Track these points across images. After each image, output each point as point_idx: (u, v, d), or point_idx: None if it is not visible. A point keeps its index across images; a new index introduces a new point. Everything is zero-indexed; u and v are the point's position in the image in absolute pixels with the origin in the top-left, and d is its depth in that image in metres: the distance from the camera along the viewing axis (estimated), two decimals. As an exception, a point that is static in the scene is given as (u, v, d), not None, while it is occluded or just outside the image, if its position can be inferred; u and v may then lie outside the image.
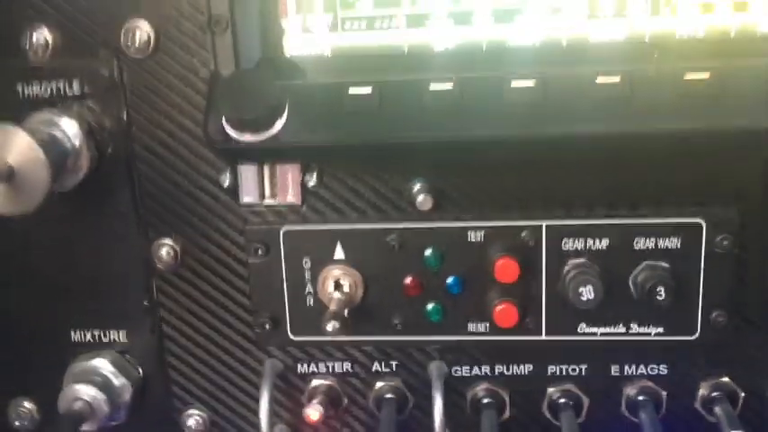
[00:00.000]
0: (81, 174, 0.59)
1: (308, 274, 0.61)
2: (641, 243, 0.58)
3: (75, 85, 0.60)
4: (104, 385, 0.63)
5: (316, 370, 0.64)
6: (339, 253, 0.60)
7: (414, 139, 0.54)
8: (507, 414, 0.63)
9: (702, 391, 0.61)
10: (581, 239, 0.58)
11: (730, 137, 0.52)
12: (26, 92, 0.60)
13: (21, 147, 0.53)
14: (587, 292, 0.57)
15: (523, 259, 0.58)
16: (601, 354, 0.61)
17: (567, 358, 0.62)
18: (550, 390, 0.62)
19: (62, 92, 0.60)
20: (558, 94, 0.52)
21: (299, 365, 0.64)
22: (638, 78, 0.52)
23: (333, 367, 0.64)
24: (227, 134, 0.54)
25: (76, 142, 0.59)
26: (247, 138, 0.53)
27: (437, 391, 0.61)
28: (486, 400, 0.62)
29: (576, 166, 0.57)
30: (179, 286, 0.63)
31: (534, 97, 0.52)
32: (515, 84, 0.53)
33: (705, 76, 0.52)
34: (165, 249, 0.62)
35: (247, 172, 0.60)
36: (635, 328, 0.59)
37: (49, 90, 0.60)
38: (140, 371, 0.66)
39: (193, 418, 0.66)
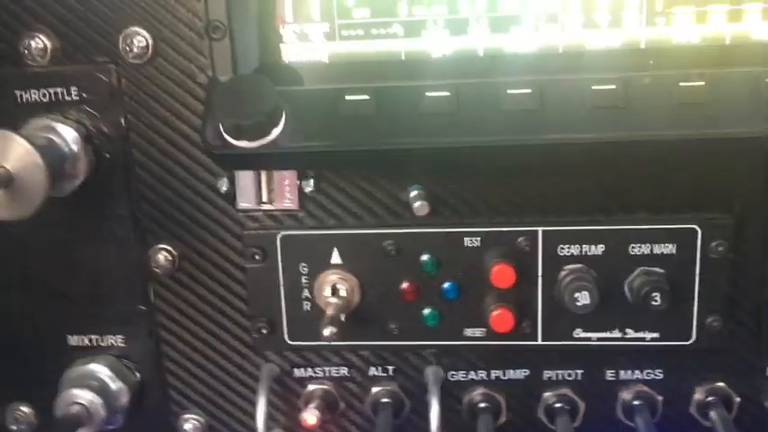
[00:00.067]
0: (79, 179, 0.59)
1: (304, 279, 0.61)
2: (637, 249, 0.58)
3: (74, 91, 0.60)
4: (101, 389, 0.63)
5: (312, 374, 0.65)
6: (336, 258, 0.61)
7: (410, 146, 0.54)
8: (503, 418, 0.63)
9: (698, 396, 0.61)
10: (577, 245, 0.59)
11: (725, 144, 0.52)
12: (24, 98, 0.60)
13: (19, 152, 0.53)
14: (583, 298, 0.57)
15: (519, 265, 0.59)
16: (596, 359, 0.62)
17: (563, 363, 0.62)
18: (546, 394, 0.63)
19: (60, 98, 0.60)
20: (554, 102, 0.53)
21: (295, 370, 0.65)
22: (633, 86, 0.52)
23: (329, 372, 0.64)
24: (224, 140, 0.54)
25: (74, 148, 0.59)
26: (245, 144, 0.53)
27: (433, 395, 0.61)
28: (482, 405, 0.63)
29: (572, 173, 0.58)
30: (176, 291, 0.64)
31: (530, 104, 0.53)
32: (512, 91, 0.53)
33: (700, 83, 0.52)
34: (163, 254, 0.62)
35: (245, 177, 0.61)
36: (630, 333, 0.60)
37: (47, 96, 0.60)
38: (137, 375, 0.66)
39: (190, 422, 0.66)
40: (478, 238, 0.59)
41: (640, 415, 0.60)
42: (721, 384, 0.61)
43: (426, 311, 0.61)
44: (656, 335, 0.60)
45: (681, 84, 0.52)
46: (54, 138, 0.58)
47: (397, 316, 0.61)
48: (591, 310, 0.57)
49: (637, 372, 0.62)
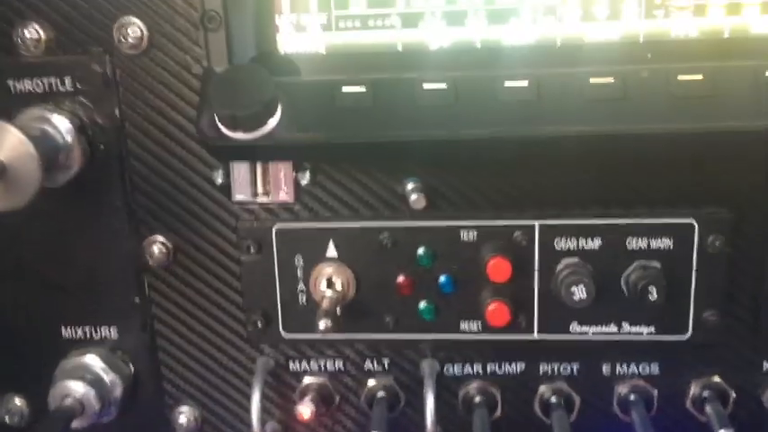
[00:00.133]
0: (73, 170, 0.59)
1: (300, 272, 0.61)
2: (633, 243, 0.58)
3: (68, 82, 0.59)
4: (95, 382, 0.63)
5: (307, 368, 0.64)
6: (332, 251, 0.60)
7: (407, 138, 0.53)
8: (499, 412, 0.63)
9: (694, 391, 0.61)
10: (573, 239, 0.58)
11: (723, 138, 0.52)
12: (18, 88, 0.59)
13: (12, 142, 0.53)
14: (579, 292, 0.57)
15: (516, 259, 0.58)
16: (593, 353, 0.61)
17: (559, 357, 0.62)
18: (542, 388, 0.62)
19: (54, 88, 0.59)
20: (552, 95, 0.52)
21: (290, 363, 0.64)
22: (631, 79, 0.52)
23: (325, 365, 0.64)
24: (219, 131, 0.53)
25: (68, 138, 0.58)
26: (240, 135, 0.53)
27: (429, 389, 0.61)
28: (477, 399, 0.62)
29: (569, 166, 0.58)
30: (171, 283, 0.63)
31: (528, 97, 0.52)
32: (509, 83, 0.53)
33: (698, 77, 0.52)
34: (157, 246, 0.62)
35: (240, 169, 0.60)
36: (627, 327, 0.60)
37: (41, 86, 0.59)
38: (131, 367, 0.65)
39: (185, 415, 0.66)
40: (475, 232, 0.59)
41: (636, 409, 0.60)
42: (717, 379, 0.61)
43: (422, 305, 0.61)
44: (652, 329, 0.60)
45: (679, 77, 0.52)
46: (48, 128, 0.58)
47: (393, 309, 0.61)
48: (587, 304, 0.57)
49: (633, 366, 0.62)
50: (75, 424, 0.62)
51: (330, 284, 0.60)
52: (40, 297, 0.65)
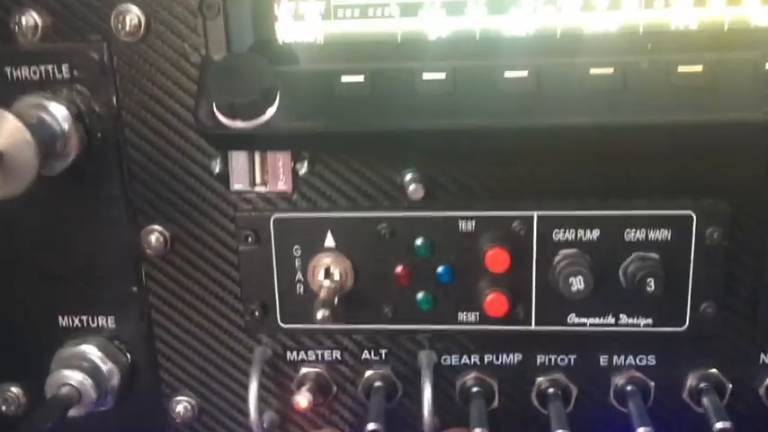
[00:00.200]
0: (70, 158, 0.59)
1: (298, 262, 0.61)
2: (632, 234, 0.58)
3: (65, 69, 0.59)
4: (92, 370, 0.63)
5: (305, 358, 0.64)
6: (330, 241, 0.60)
7: (406, 128, 0.53)
8: (496, 403, 0.63)
9: (690, 382, 0.61)
10: (572, 230, 0.58)
11: (723, 129, 0.52)
12: (15, 75, 0.59)
13: (9, 129, 0.53)
14: (577, 283, 0.57)
15: (514, 249, 0.58)
16: (590, 344, 0.61)
17: (557, 348, 0.62)
18: (539, 379, 0.62)
19: (51, 75, 0.59)
20: (552, 85, 0.52)
21: (288, 353, 0.64)
22: (631, 70, 0.52)
23: (322, 355, 0.64)
24: (218, 120, 0.53)
25: (65, 126, 0.58)
26: (238, 124, 0.53)
27: (426, 379, 0.61)
28: (475, 389, 0.62)
29: (568, 157, 0.57)
30: (168, 273, 0.63)
31: (527, 87, 0.52)
32: (509, 74, 0.53)
33: (698, 68, 0.52)
34: (155, 235, 0.62)
35: (238, 159, 0.60)
36: (624, 318, 0.60)
37: (37, 73, 0.59)
38: (129, 357, 0.65)
39: (182, 404, 0.66)
40: (473, 222, 0.59)
41: (633, 400, 0.60)
42: (714, 371, 0.61)
43: (420, 295, 0.61)
44: (649, 321, 0.60)
45: (679, 68, 0.52)
46: (45, 116, 0.57)
47: (391, 299, 0.61)
48: (585, 295, 0.57)
49: (630, 357, 0.62)
50: (72, 412, 0.62)
51: (328, 274, 0.60)
52: (37, 286, 0.65)
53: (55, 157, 0.58)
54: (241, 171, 0.60)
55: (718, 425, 0.57)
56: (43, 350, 0.65)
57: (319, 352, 0.64)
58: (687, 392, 0.61)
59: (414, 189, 0.58)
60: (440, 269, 0.60)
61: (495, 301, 0.59)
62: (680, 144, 0.55)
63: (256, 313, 0.62)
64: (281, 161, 0.60)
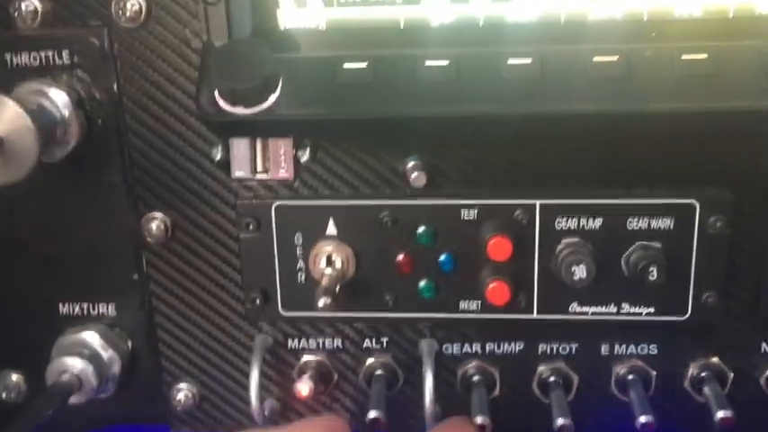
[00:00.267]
0: (70, 145, 0.59)
1: (299, 250, 0.61)
2: (634, 223, 0.58)
3: (65, 55, 0.58)
4: (93, 358, 0.63)
5: (306, 346, 0.64)
6: (331, 229, 0.60)
7: (408, 115, 0.53)
8: (497, 392, 0.63)
9: (692, 372, 0.61)
10: (574, 218, 0.58)
11: (727, 117, 0.51)
12: (14, 61, 0.59)
13: (9, 115, 0.52)
14: (580, 271, 0.57)
15: (516, 238, 0.58)
16: (591, 333, 0.61)
17: (558, 337, 0.62)
18: (541, 368, 0.62)
19: (51, 61, 0.59)
20: (555, 72, 0.52)
21: (289, 341, 0.64)
22: (635, 58, 0.52)
23: (323, 343, 0.64)
24: (219, 106, 0.53)
25: (66, 112, 0.58)
26: (240, 110, 0.52)
27: (428, 368, 0.61)
28: (476, 378, 0.62)
29: (571, 145, 0.57)
30: (169, 260, 0.63)
31: (531, 75, 0.52)
32: (512, 61, 0.52)
33: (702, 56, 0.51)
34: (156, 223, 0.62)
35: (239, 146, 0.60)
36: (626, 307, 0.59)
37: (37, 59, 0.59)
38: (129, 344, 0.65)
39: (183, 392, 0.66)
40: (475, 211, 0.59)
41: (634, 389, 0.60)
42: (715, 360, 0.61)
43: (422, 283, 0.60)
44: (651, 310, 0.59)
45: (683, 56, 0.51)
46: (45, 102, 0.57)
47: (393, 288, 0.61)
48: (587, 283, 0.57)
49: (631, 346, 0.62)
50: (73, 400, 0.62)
51: (330, 262, 0.60)
52: (38, 273, 0.64)
53: (55, 144, 0.58)
54: (242, 158, 0.60)
55: (720, 414, 0.57)
56: (44, 338, 0.65)
57: (320, 340, 0.64)
58: (688, 381, 0.61)
59: (416, 177, 0.58)
60: (442, 257, 0.60)
61: (497, 290, 0.59)
62: (684, 132, 0.55)
63: (257, 301, 0.62)
64: (282, 148, 0.59)
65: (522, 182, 0.58)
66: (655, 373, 0.61)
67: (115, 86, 0.59)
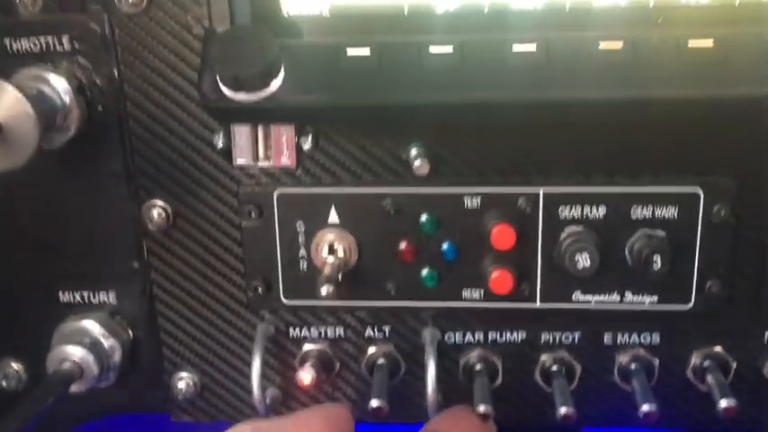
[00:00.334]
0: (71, 131, 0.58)
1: (301, 238, 0.60)
2: (638, 211, 0.57)
3: (65, 41, 0.58)
4: (93, 346, 0.62)
5: (308, 335, 0.64)
6: (334, 217, 0.60)
7: (412, 102, 0.53)
8: (500, 380, 0.63)
9: (695, 361, 0.61)
10: (578, 207, 0.58)
11: (733, 104, 0.51)
12: (14, 47, 0.58)
13: (9, 101, 0.52)
14: (583, 260, 0.56)
15: (519, 226, 0.58)
16: (594, 322, 0.61)
17: (561, 326, 0.62)
18: (543, 357, 0.62)
19: (52, 47, 0.58)
20: (561, 59, 0.51)
21: (291, 330, 0.64)
22: (641, 45, 0.51)
23: (325, 332, 0.64)
24: (221, 93, 0.52)
25: (66, 99, 0.57)
26: (243, 97, 0.52)
27: (430, 357, 0.61)
28: (478, 367, 0.62)
29: (575, 133, 0.57)
30: (170, 248, 0.63)
31: (536, 62, 0.52)
32: (517, 47, 0.52)
33: (709, 43, 0.51)
34: (157, 210, 0.61)
35: (241, 133, 0.59)
36: (629, 296, 0.59)
37: (37, 45, 0.58)
38: (130, 333, 0.65)
39: (184, 380, 0.66)
40: (479, 199, 0.58)
41: (637, 378, 0.60)
42: (718, 349, 0.61)
43: (424, 272, 0.60)
44: (654, 299, 0.59)
45: (689, 43, 0.51)
46: (45, 88, 0.56)
47: (395, 276, 0.61)
48: (591, 272, 0.57)
49: (634, 335, 0.61)
50: (74, 388, 0.62)
51: (332, 251, 0.60)
52: (38, 261, 0.64)
53: (55, 131, 0.57)
54: (244, 146, 0.59)
55: (723, 402, 0.57)
56: (44, 326, 0.64)
57: (322, 329, 0.64)
58: (691, 370, 0.61)
59: (419, 165, 0.57)
60: (444, 246, 0.59)
61: (500, 279, 0.59)
62: (689, 119, 0.54)
63: (259, 289, 0.62)
64: (284, 136, 0.59)
65: (526, 170, 0.58)
66: (657, 361, 0.61)
67: (116, 73, 0.58)
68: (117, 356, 0.64)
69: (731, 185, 0.57)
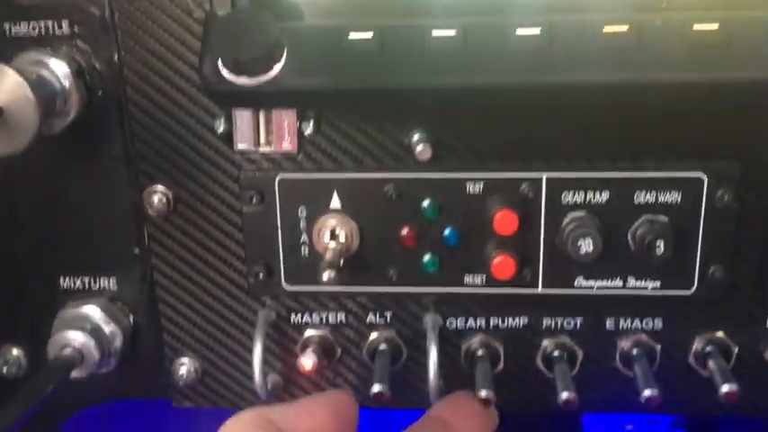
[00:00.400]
0: (70, 116, 0.58)
1: (303, 223, 0.60)
2: (641, 197, 0.57)
3: (65, 25, 0.57)
4: (94, 332, 0.62)
5: (309, 320, 0.64)
6: (335, 202, 0.59)
7: (415, 85, 0.52)
8: (501, 366, 0.63)
9: (696, 346, 0.61)
10: (581, 192, 0.58)
11: (738, 88, 0.51)
12: (13, 31, 0.58)
13: (8, 85, 0.52)
14: (586, 245, 0.56)
15: (522, 211, 0.58)
16: (597, 307, 0.61)
17: (563, 311, 0.62)
18: (545, 342, 0.62)
19: (51, 31, 0.58)
20: (564, 43, 0.51)
21: (292, 315, 0.64)
22: (645, 28, 0.51)
23: (327, 318, 0.64)
24: (222, 76, 0.52)
25: (66, 83, 0.57)
26: (244, 80, 0.52)
27: (431, 342, 0.61)
28: (480, 352, 0.62)
29: (578, 118, 0.57)
30: (171, 234, 0.62)
31: (540, 45, 0.51)
32: (521, 31, 0.51)
33: (714, 27, 0.51)
34: (157, 196, 0.61)
35: (242, 118, 0.59)
36: (632, 282, 0.59)
37: (36, 29, 0.58)
38: (131, 319, 0.65)
39: (185, 366, 0.66)
40: (481, 184, 0.58)
41: (639, 363, 0.60)
42: (720, 334, 0.61)
43: (426, 258, 0.60)
44: (657, 284, 0.59)
45: (694, 26, 0.51)
46: (44, 72, 0.56)
47: (397, 262, 0.60)
48: (594, 257, 0.56)
49: (636, 321, 0.61)
50: (75, 374, 0.62)
51: (333, 236, 0.59)
52: (38, 247, 0.64)
53: (55, 116, 0.57)
54: (245, 130, 0.59)
55: (725, 388, 0.57)
56: (44, 312, 0.64)
57: (324, 315, 0.64)
58: (693, 356, 0.61)
59: (421, 150, 0.57)
60: (446, 231, 0.59)
61: (502, 264, 0.58)
62: (694, 103, 0.54)
63: (260, 275, 0.62)
64: (286, 121, 0.59)
65: (529, 155, 0.58)
66: (659, 347, 0.61)
67: (116, 57, 0.58)
68: (118, 342, 0.64)
69: (735, 170, 0.56)
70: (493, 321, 0.62)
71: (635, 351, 0.61)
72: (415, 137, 0.58)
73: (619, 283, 0.59)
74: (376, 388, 0.59)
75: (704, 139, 0.56)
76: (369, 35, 0.52)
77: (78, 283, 0.64)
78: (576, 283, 0.60)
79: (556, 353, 0.62)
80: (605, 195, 0.58)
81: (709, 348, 0.61)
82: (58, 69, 0.57)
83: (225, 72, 0.52)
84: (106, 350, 0.63)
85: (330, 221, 0.60)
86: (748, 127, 0.56)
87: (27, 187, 0.62)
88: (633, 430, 0.95)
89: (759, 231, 0.58)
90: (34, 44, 0.58)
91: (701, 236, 0.58)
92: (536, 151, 0.58)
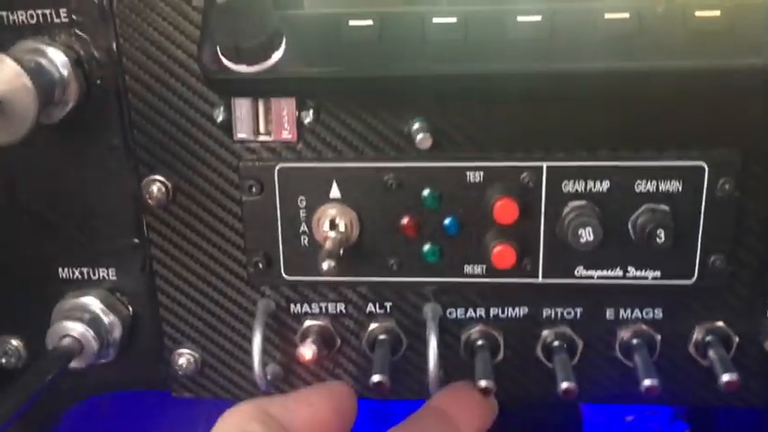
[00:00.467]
0: (69, 106, 0.57)
1: (302, 213, 0.60)
2: (642, 186, 0.57)
3: (63, 13, 0.57)
4: (93, 322, 0.62)
5: (309, 310, 0.64)
6: (335, 192, 0.59)
7: (415, 73, 0.52)
8: (501, 356, 0.63)
9: (697, 336, 0.61)
10: (581, 181, 0.57)
11: (740, 75, 0.51)
12: (11, 19, 0.57)
13: (7, 74, 0.51)
14: (587, 234, 0.56)
15: (523, 201, 0.57)
16: (597, 297, 0.61)
17: (563, 301, 0.61)
18: (545, 332, 0.62)
19: (49, 20, 0.57)
20: (566, 30, 0.51)
21: (292, 306, 0.64)
22: (647, 15, 0.51)
23: (326, 308, 0.64)
24: (222, 65, 0.52)
25: (64, 72, 0.57)
26: (243, 68, 0.51)
27: (431, 332, 0.61)
28: (480, 342, 0.62)
29: (579, 107, 0.56)
30: (170, 224, 0.62)
31: (541, 33, 0.51)
32: (521, 18, 0.51)
33: (716, 13, 0.50)
34: (156, 186, 0.61)
35: (242, 107, 0.58)
36: (632, 271, 0.59)
37: (34, 18, 0.57)
38: (130, 309, 0.65)
39: (184, 356, 0.65)
40: (481, 173, 0.58)
41: (639, 353, 0.60)
42: (721, 324, 0.61)
43: (426, 247, 0.60)
44: (657, 273, 0.59)
45: (696, 13, 0.50)
46: (43, 61, 0.56)
47: (397, 251, 0.60)
48: (594, 246, 0.56)
49: (636, 310, 0.61)
50: (74, 364, 0.62)
51: (333, 226, 0.59)
52: (37, 237, 0.64)
53: (54, 105, 0.57)
54: (245, 120, 0.59)
55: (725, 377, 0.57)
56: (43, 302, 0.64)
57: (323, 305, 0.63)
58: (693, 345, 0.61)
59: (421, 139, 0.57)
60: (447, 221, 0.59)
61: (502, 254, 0.58)
62: (696, 90, 0.54)
63: (260, 265, 0.62)
64: (285, 110, 0.58)
65: (529, 144, 0.57)
66: (659, 337, 0.61)
67: (114, 46, 0.58)
68: (117, 332, 0.63)
69: (736, 159, 0.56)
70: (493, 311, 0.62)
71: (635, 341, 0.61)
72: (416, 126, 0.57)
73: (619, 272, 0.59)
74: (376, 378, 0.58)
75: (705, 128, 0.56)
76: (368, 23, 0.52)
77: (77, 273, 0.64)
78: (576, 273, 0.60)
79: (556, 343, 0.62)
80: (606, 184, 0.57)
81: (709, 338, 0.60)
82: (57, 58, 0.57)
83: (224, 60, 0.52)
84: (105, 340, 0.63)
85: (330, 211, 0.59)
86: (749, 116, 0.56)
87: (26, 177, 0.62)
88: (633, 421, 0.95)
89: (760, 221, 0.58)
90: (32, 32, 0.57)
91: (702, 225, 0.57)
92: (536, 140, 0.57)
